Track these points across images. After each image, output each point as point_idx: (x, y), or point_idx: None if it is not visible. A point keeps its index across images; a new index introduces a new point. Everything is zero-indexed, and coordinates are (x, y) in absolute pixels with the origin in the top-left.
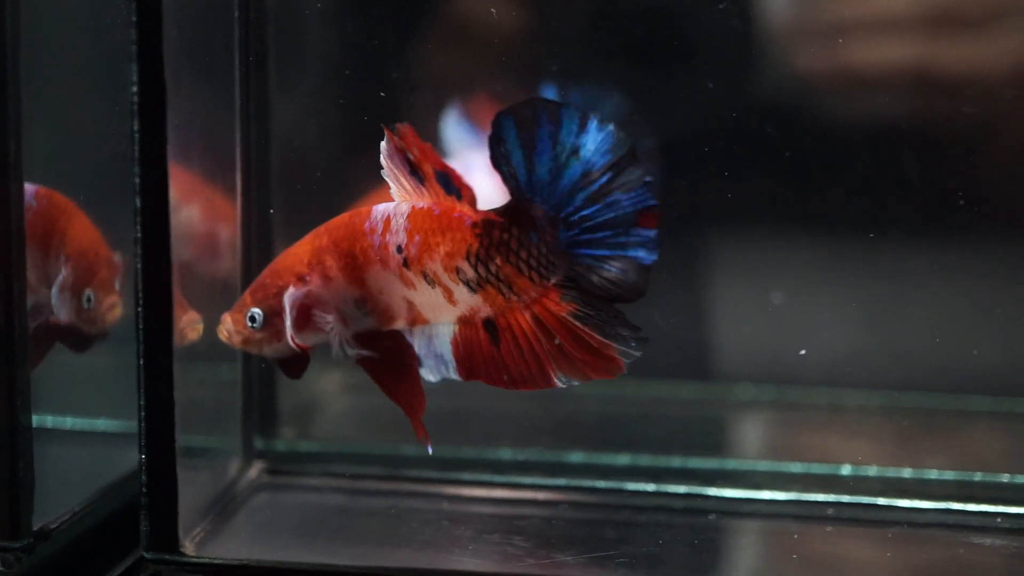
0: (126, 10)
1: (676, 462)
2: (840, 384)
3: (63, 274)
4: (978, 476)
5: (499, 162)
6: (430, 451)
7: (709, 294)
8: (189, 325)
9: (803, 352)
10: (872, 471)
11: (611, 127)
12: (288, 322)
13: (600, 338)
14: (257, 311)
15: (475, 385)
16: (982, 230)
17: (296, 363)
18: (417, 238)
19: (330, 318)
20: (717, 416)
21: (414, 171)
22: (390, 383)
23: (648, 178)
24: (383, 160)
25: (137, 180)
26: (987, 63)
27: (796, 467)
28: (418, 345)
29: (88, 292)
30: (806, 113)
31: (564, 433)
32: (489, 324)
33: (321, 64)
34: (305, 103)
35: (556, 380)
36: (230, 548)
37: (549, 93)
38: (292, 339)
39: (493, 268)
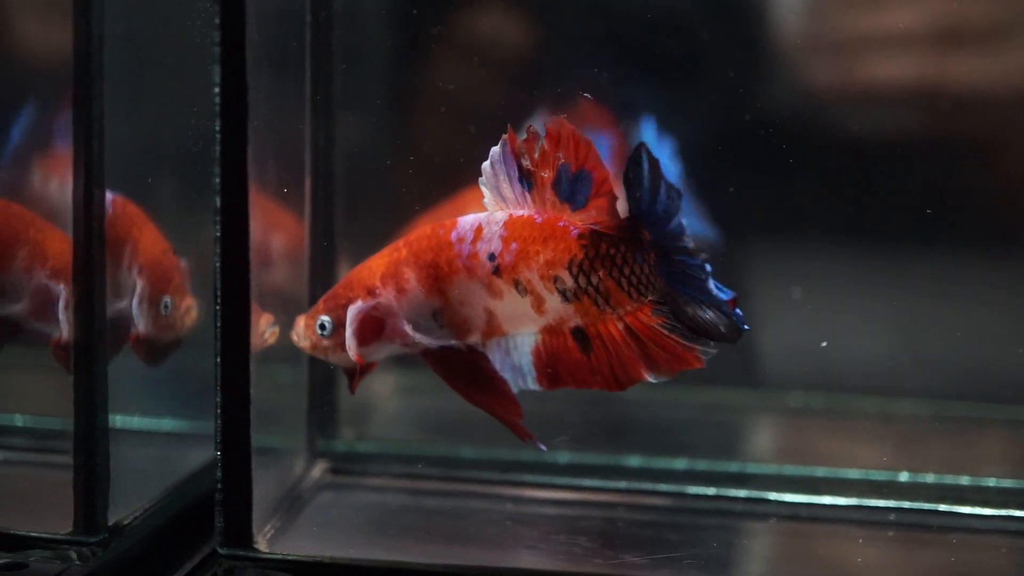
0: (201, 11)
1: (734, 467)
2: (890, 392)
3: (140, 286)
4: None
5: (630, 181)
6: (543, 448)
7: (762, 303)
8: (265, 329)
9: (824, 344)
10: (930, 478)
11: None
12: (348, 333)
13: (686, 343)
14: (327, 319)
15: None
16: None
17: (357, 376)
18: (514, 245)
19: (403, 330)
20: (769, 422)
21: (522, 178)
22: (475, 394)
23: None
24: (487, 166)
25: (217, 180)
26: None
27: (854, 473)
28: (494, 358)
29: (166, 299)
30: (859, 126)
31: (620, 438)
32: (578, 333)
33: (390, 69)
34: (374, 108)
35: (648, 377)
36: (300, 545)
37: (648, 126)
38: (353, 351)
39: (594, 280)
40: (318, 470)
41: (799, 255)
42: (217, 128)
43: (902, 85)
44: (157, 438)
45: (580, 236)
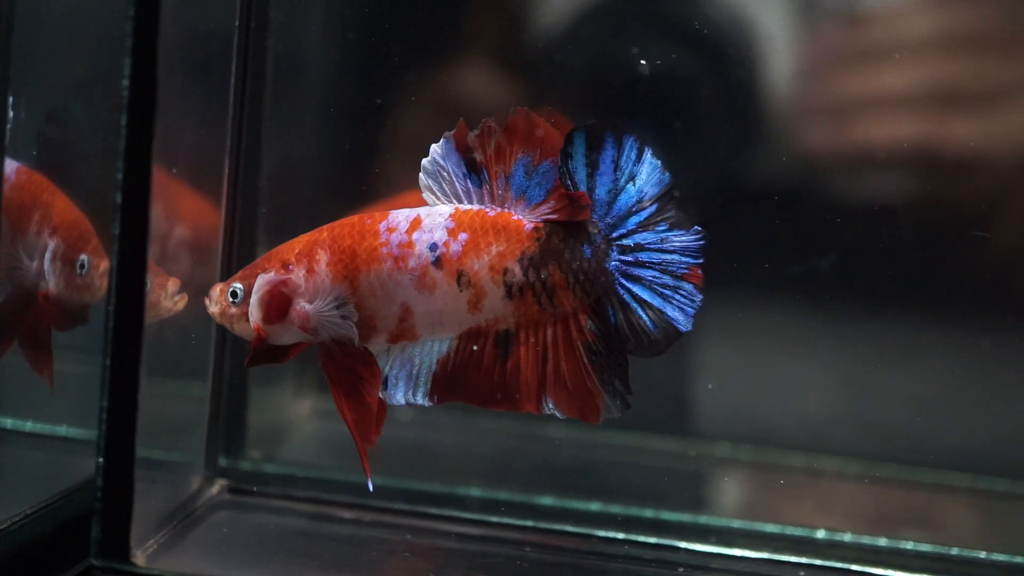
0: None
1: (648, 513)
2: (817, 449)
3: (54, 244)
4: (955, 551)
5: (564, 176)
6: (371, 488)
7: (693, 352)
8: (174, 293)
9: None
10: (847, 537)
11: (659, 163)
12: (253, 301)
13: (596, 382)
14: (239, 286)
15: (451, 421)
16: (969, 310)
17: (256, 351)
18: (463, 236)
19: (304, 312)
20: (694, 471)
21: (470, 173)
22: (345, 404)
23: (698, 228)
24: (427, 163)
25: (120, 175)
26: (990, 142)
27: (770, 527)
28: (393, 363)
29: (83, 258)
30: (800, 185)
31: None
32: (504, 337)
33: (319, 75)
34: (301, 114)
35: (543, 406)
36: (183, 562)
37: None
38: (254, 321)
39: (544, 274)
40: (216, 488)
41: (742, 309)
42: (123, 123)
43: (863, 150)
44: (49, 443)
45: (535, 229)
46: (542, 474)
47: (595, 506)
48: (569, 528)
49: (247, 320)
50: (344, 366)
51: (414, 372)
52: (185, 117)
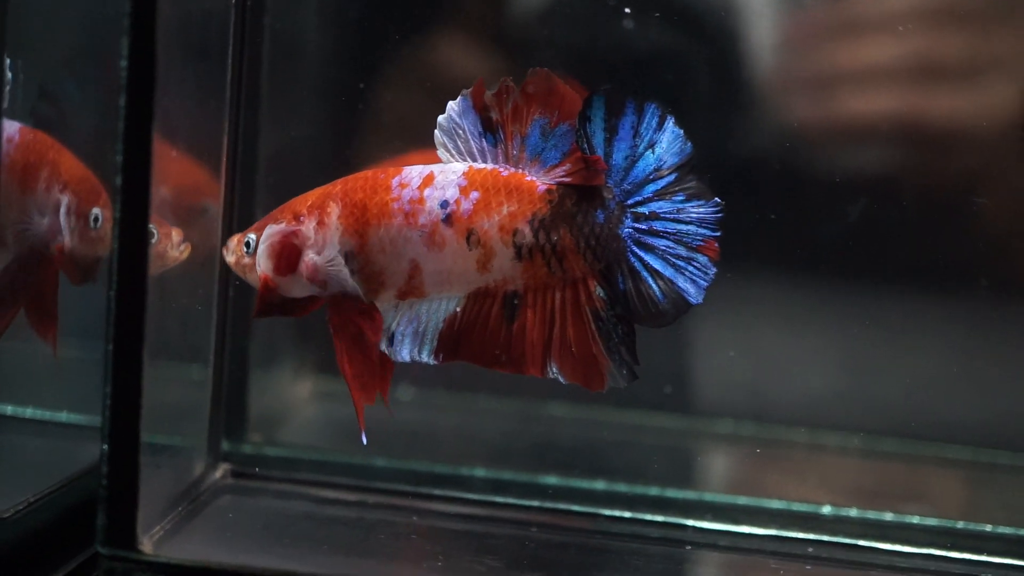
0: None
1: (654, 491)
2: (817, 425)
3: (67, 198)
4: (960, 525)
5: (581, 140)
6: (364, 441)
7: (695, 329)
8: (176, 246)
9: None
10: (853, 512)
11: (681, 132)
12: (260, 251)
13: (602, 349)
14: (253, 236)
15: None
16: (969, 286)
17: (264, 301)
18: (474, 195)
19: (313, 264)
20: (697, 448)
21: (486, 132)
22: (345, 357)
23: (717, 200)
24: (444, 120)
25: (119, 157)
26: (975, 115)
27: (776, 504)
28: (400, 320)
29: (95, 211)
30: (797, 160)
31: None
32: (512, 298)
33: (317, 53)
34: (299, 92)
35: (548, 370)
36: (189, 549)
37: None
38: (261, 271)
39: (554, 237)
40: (220, 472)
41: (743, 285)
42: (122, 103)
43: (857, 125)
44: (52, 429)
45: (548, 191)
46: (546, 454)
47: (600, 485)
48: (575, 508)
49: None
50: (349, 320)
51: (421, 329)
52: (184, 96)
